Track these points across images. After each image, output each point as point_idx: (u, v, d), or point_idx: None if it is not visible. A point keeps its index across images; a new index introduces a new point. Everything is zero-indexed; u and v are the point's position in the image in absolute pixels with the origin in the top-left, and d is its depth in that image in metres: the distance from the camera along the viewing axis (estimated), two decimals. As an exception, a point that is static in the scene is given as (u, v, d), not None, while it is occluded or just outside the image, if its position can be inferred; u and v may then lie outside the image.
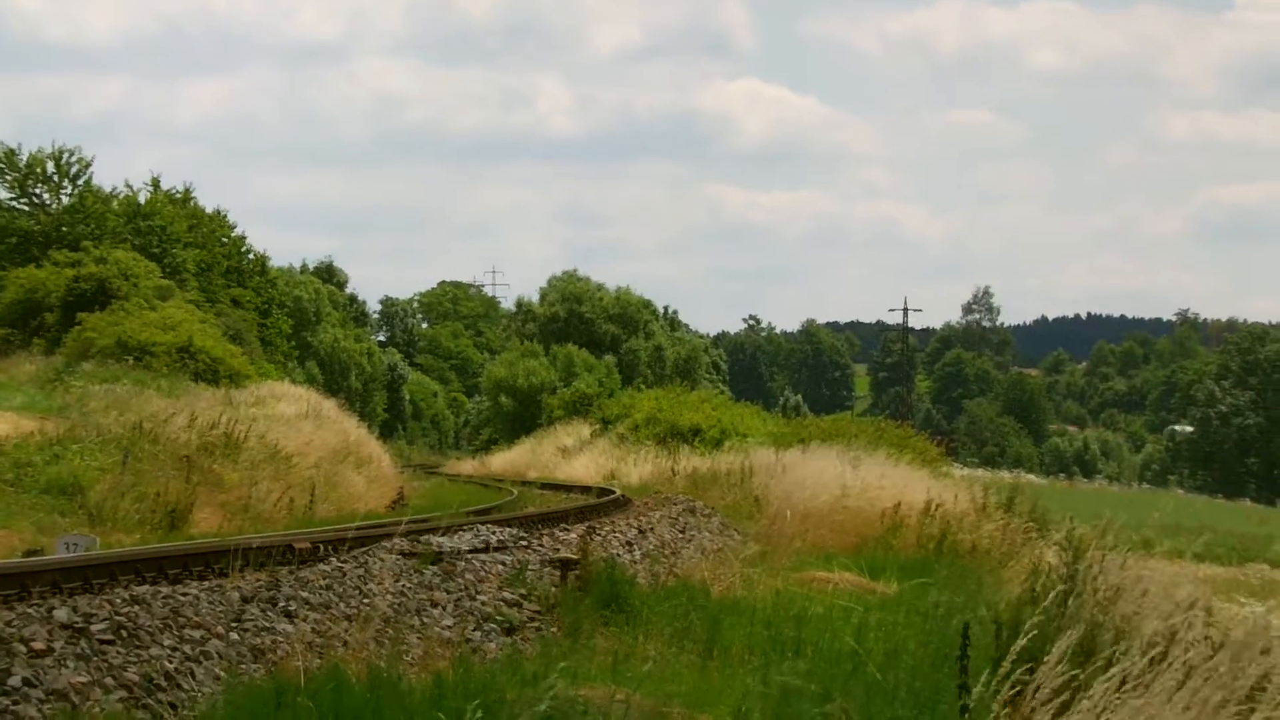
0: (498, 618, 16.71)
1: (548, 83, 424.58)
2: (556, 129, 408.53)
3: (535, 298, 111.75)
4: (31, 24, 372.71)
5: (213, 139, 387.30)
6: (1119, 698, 10.10)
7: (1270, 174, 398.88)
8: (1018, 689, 10.66)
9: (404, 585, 16.57)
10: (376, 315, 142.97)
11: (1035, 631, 11.34)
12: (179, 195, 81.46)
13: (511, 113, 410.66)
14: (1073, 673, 10.55)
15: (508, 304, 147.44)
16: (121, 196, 76.34)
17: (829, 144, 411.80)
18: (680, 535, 27.58)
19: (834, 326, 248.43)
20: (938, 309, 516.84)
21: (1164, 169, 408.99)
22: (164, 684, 11.78)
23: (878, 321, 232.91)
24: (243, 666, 12.69)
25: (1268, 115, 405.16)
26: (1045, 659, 10.74)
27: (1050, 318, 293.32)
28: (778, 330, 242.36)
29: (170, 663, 12.11)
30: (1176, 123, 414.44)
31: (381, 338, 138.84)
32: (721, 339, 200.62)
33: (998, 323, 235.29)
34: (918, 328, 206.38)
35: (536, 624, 16.93)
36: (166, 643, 12.40)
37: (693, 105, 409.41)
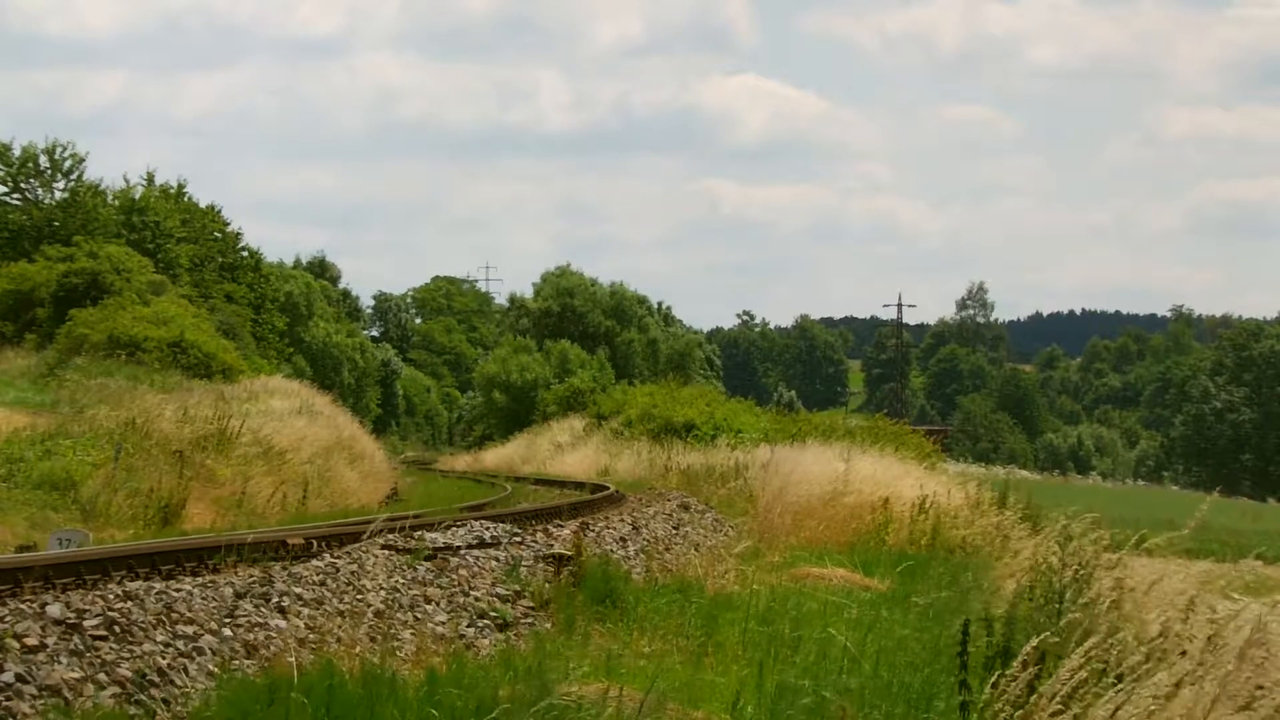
0: (491, 614, 16.68)
1: (546, 77, 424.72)
2: (553, 124, 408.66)
3: (529, 293, 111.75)
4: (31, 18, 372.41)
5: (211, 134, 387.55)
6: (1124, 696, 10.09)
7: (1269, 170, 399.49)
8: (1024, 688, 10.65)
9: (397, 581, 16.53)
10: (370, 310, 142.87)
11: (1047, 633, 11.34)
12: (173, 190, 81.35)
13: (509, 107, 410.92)
14: (1080, 674, 10.54)
15: (501, 299, 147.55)
16: (115, 191, 76.25)
17: (828, 139, 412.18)
18: (674, 531, 27.56)
19: (828, 322, 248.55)
20: (933, 304, 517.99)
21: (1163, 164, 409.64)
22: (157, 680, 11.74)
23: (872, 317, 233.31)
24: (235, 662, 12.65)
25: (1266, 111, 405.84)
26: (1061, 658, 10.72)
27: (1045, 313, 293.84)
28: (772, 326, 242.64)
29: (163, 658, 12.07)
30: (1176, 118, 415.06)
31: (375, 333, 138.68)
32: (715, 334, 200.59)
33: (992, 318, 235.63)
34: (912, 323, 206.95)
35: (530, 620, 16.90)
36: (159, 638, 12.36)
37: (691, 101, 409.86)
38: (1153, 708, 10.04)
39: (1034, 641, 10.90)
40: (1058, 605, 14.31)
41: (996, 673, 11.16)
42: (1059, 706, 10.39)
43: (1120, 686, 10.29)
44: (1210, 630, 12.29)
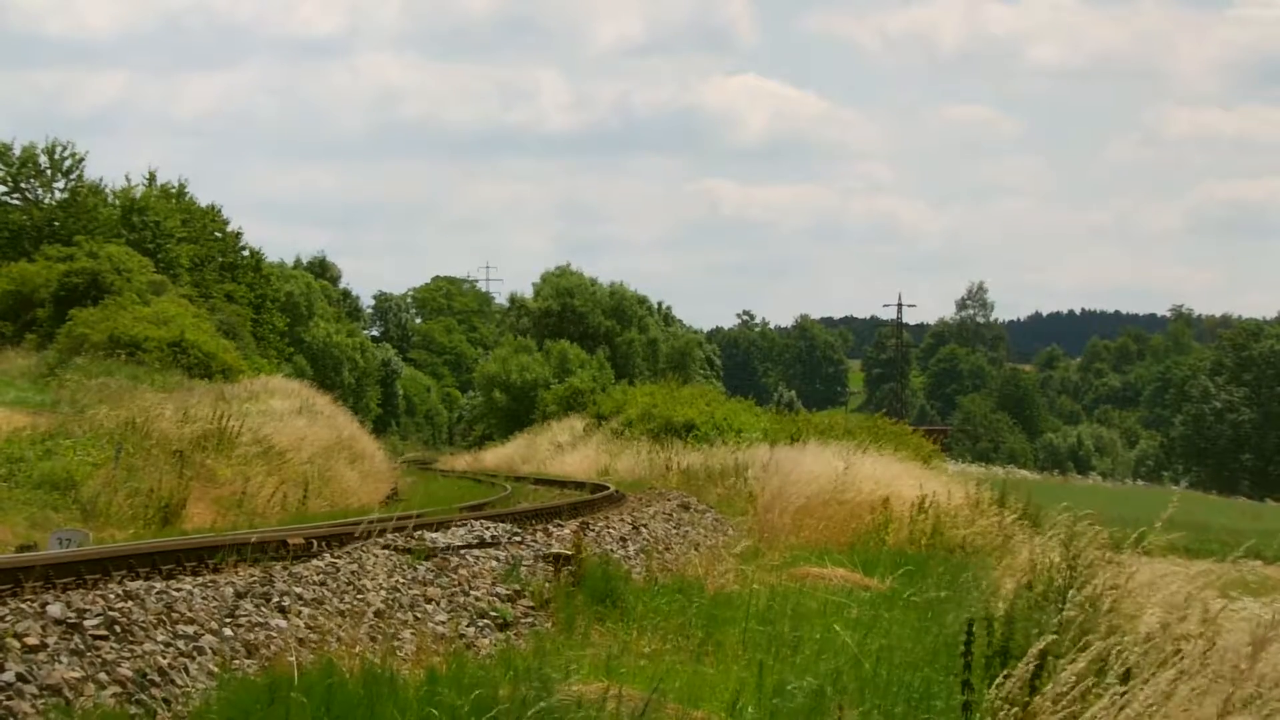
0: (491, 613, 16.70)
1: (546, 77, 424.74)
2: (554, 124, 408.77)
3: (529, 293, 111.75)
4: (32, 18, 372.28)
5: (212, 134, 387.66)
6: (1125, 698, 10.10)
7: (1269, 170, 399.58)
8: (1022, 687, 10.66)
9: (397, 581, 16.55)
10: (370, 310, 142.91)
11: (1052, 634, 11.34)
12: (174, 190, 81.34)
13: (509, 107, 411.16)
14: (1083, 677, 10.55)
15: (501, 299, 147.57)
16: (115, 191, 76.25)
17: (828, 139, 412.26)
18: (674, 531, 27.57)
19: (828, 322, 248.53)
20: (934, 304, 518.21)
21: (1163, 165, 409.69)
22: (157, 680, 11.76)
23: (872, 317, 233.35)
24: (236, 662, 12.66)
25: (1267, 111, 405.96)
26: (1058, 660, 10.72)
27: (1044, 313, 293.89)
28: (771, 325, 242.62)
29: (164, 658, 12.08)
30: (1177, 118, 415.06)
31: (375, 333, 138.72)
32: (715, 334, 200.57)
33: (991, 318, 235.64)
34: (912, 323, 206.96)
35: (530, 620, 16.92)
36: (160, 638, 12.37)
37: (692, 101, 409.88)
38: (1152, 705, 10.05)
39: (1040, 644, 10.91)
40: (1059, 604, 14.31)
41: (998, 673, 11.18)
42: (1062, 706, 10.41)
43: (1121, 688, 10.30)
44: (1208, 629, 12.32)
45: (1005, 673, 11.12)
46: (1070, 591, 14.63)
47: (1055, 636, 11.64)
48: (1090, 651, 10.86)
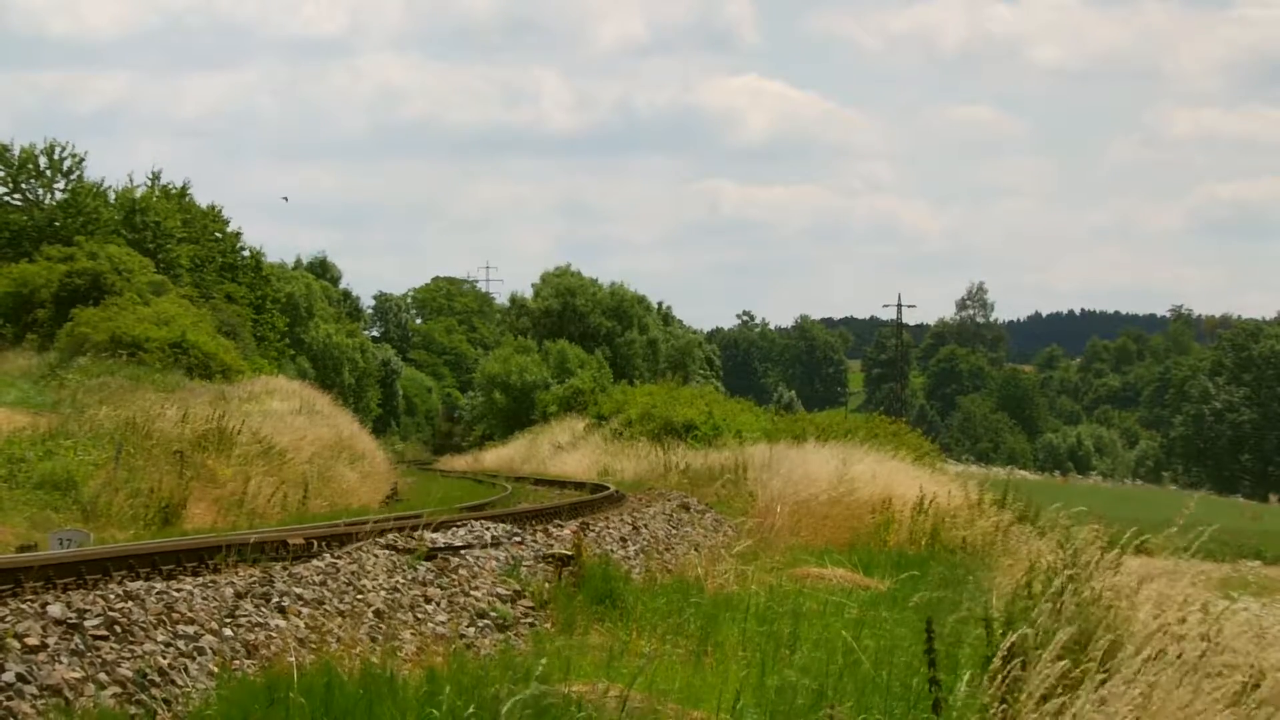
0: (491, 613, 16.70)
1: (548, 78, 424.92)
2: (555, 124, 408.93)
3: (529, 293, 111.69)
4: (35, 19, 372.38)
5: (214, 133, 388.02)
6: (1118, 693, 10.10)
7: (1270, 170, 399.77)
8: (1010, 686, 10.66)
9: (397, 581, 16.55)
10: (370, 310, 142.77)
11: (1029, 629, 11.34)
12: (175, 191, 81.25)
13: (511, 108, 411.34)
14: (1066, 669, 10.55)
15: (502, 299, 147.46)
16: (116, 191, 76.18)
17: (830, 140, 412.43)
18: (674, 531, 27.57)
19: (828, 322, 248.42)
20: (933, 304, 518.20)
21: (1164, 165, 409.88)
22: (157, 680, 11.77)
23: (872, 317, 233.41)
24: (236, 662, 12.68)
25: (1268, 111, 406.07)
26: (1039, 655, 10.73)
27: (1044, 314, 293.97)
28: (771, 326, 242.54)
29: (164, 658, 12.10)
30: (1178, 118, 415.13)
31: (375, 333, 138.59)
32: (715, 334, 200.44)
33: (991, 319, 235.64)
34: (912, 324, 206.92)
35: (530, 620, 16.93)
36: (160, 638, 12.39)
37: (693, 101, 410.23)
38: (1140, 702, 10.06)
39: (1012, 638, 10.93)
40: (1058, 603, 14.32)
41: (971, 671, 11.18)
42: (1041, 699, 10.40)
43: (1105, 679, 10.31)
44: (1205, 628, 12.33)
45: (983, 670, 11.12)
46: (1066, 591, 14.64)
47: (1025, 629, 11.64)
48: (1056, 643, 10.85)
